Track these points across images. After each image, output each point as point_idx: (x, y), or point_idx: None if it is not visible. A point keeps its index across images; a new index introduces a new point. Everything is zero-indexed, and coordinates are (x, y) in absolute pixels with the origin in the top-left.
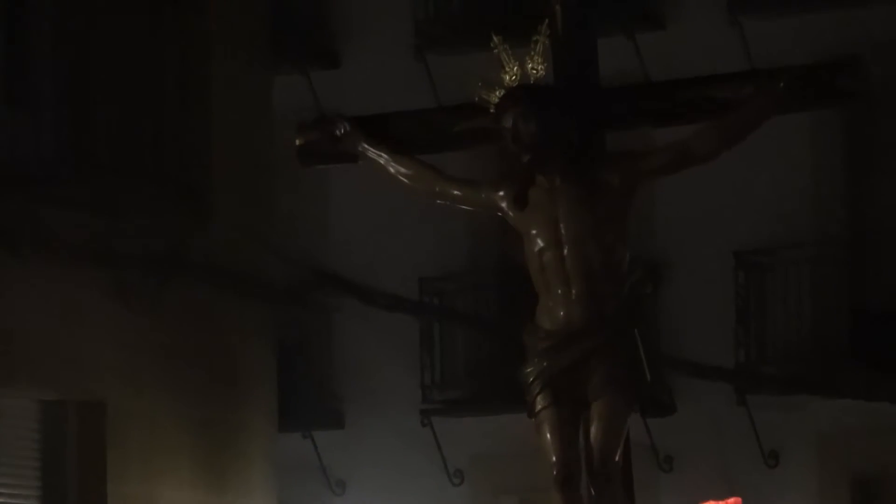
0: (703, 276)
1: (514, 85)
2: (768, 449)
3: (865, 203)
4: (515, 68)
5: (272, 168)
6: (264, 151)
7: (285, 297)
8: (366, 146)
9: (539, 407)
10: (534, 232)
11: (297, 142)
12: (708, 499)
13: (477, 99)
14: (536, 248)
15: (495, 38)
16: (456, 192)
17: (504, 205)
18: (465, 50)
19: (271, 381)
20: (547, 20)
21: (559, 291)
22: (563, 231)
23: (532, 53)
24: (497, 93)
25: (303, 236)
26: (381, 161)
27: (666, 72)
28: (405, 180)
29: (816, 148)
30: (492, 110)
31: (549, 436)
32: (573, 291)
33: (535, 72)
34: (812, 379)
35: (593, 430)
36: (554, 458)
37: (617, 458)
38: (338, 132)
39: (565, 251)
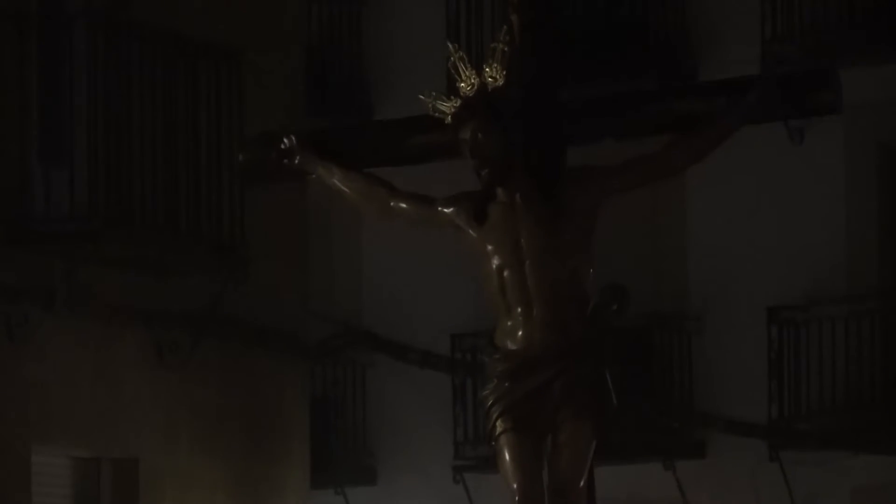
0: (736, 332)
1: (472, 95)
2: (799, 499)
3: None
4: (472, 77)
5: (306, 225)
6: (298, 209)
7: (319, 354)
8: (312, 162)
9: (499, 431)
10: (492, 250)
11: (240, 157)
12: None
13: (432, 110)
14: (495, 267)
15: (451, 46)
16: (409, 209)
17: (461, 221)
18: None
19: (304, 437)
20: (505, 27)
21: (519, 312)
22: (523, 249)
23: (490, 62)
24: (453, 103)
25: (336, 293)
26: (330, 178)
27: None
28: (356, 197)
29: (850, 206)
30: (448, 122)
31: (509, 462)
32: (534, 312)
33: (493, 81)
34: (846, 435)
35: (557, 457)
36: (514, 486)
37: (581, 486)
38: (283, 147)
39: (526, 270)
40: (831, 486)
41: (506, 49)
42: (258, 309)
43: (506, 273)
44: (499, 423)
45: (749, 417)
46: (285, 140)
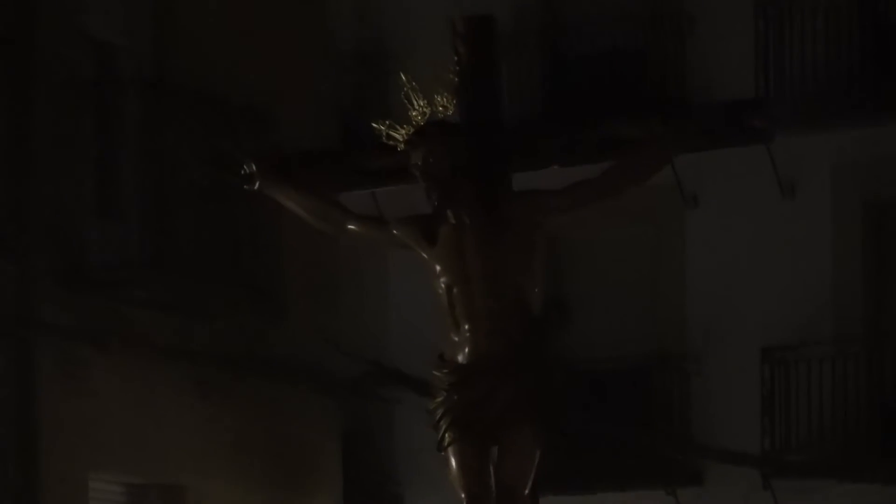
0: (731, 370)
1: (422, 123)
2: None
3: (882, 305)
4: (424, 107)
5: (337, 270)
6: (330, 255)
7: (350, 390)
8: (270, 186)
9: (447, 441)
10: (442, 268)
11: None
12: None
13: (384, 137)
14: (444, 285)
15: (404, 77)
16: (363, 231)
17: (412, 242)
18: None
19: (336, 468)
20: (455, 59)
21: (466, 327)
22: (471, 267)
23: (440, 92)
24: (405, 130)
25: (366, 333)
26: (286, 201)
27: None
28: (311, 218)
29: (837, 257)
30: (400, 148)
31: (457, 470)
32: (481, 327)
33: (442, 109)
34: (832, 465)
35: (502, 464)
36: (463, 494)
37: (526, 492)
38: (243, 172)
39: (473, 287)
40: None
41: (455, 79)
42: (293, 349)
43: (454, 290)
44: (447, 433)
45: (743, 448)
46: (244, 167)
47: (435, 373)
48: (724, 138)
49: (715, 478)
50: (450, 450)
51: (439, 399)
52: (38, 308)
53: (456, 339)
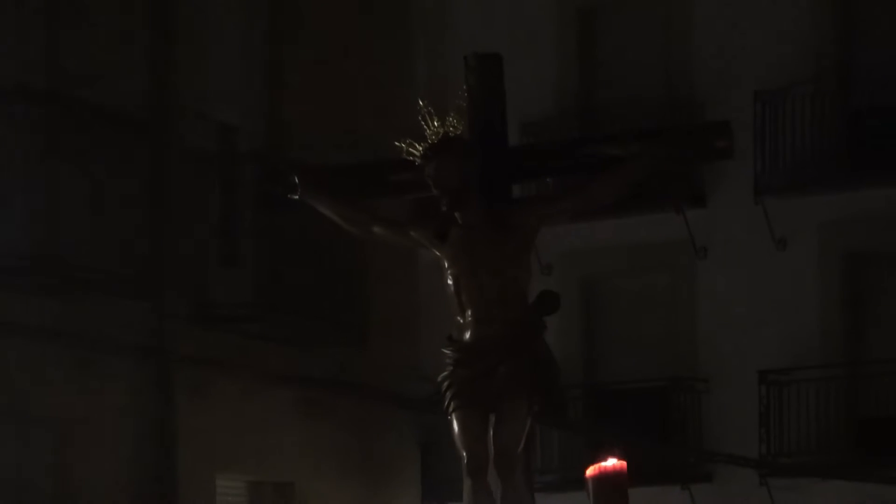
0: (734, 390)
1: (436, 140)
2: None
3: (859, 338)
4: (438, 127)
5: (413, 306)
6: (408, 294)
7: (424, 408)
8: (308, 194)
9: (452, 408)
10: (451, 262)
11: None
12: None
13: (405, 154)
14: (453, 276)
15: (421, 102)
16: (386, 233)
17: (426, 241)
18: None
19: (415, 471)
20: (465, 87)
21: (469, 313)
22: (475, 261)
23: (451, 114)
24: (421, 147)
25: (437, 361)
26: (321, 206)
27: None
28: (342, 222)
29: (821, 298)
30: (417, 162)
31: (459, 432)
32: (483, 311)
33: (453, 129)
34: (817, 467)
35: (499, 428)
36: (464, 452)
37: (518, 451)
38: (289, 183)
39: (477, 278)
40: None
41: (464, 104)
42: (377, 374)
43: (461, 282)
44: (452, 401)
45: (744, 453)
46: (291, 178)
47: (443, 350)
48: (693, 156)
49: (721, 477)
50: (453, 415)
51: (446, 372)
52: (173, 340)
53: (461, 321)
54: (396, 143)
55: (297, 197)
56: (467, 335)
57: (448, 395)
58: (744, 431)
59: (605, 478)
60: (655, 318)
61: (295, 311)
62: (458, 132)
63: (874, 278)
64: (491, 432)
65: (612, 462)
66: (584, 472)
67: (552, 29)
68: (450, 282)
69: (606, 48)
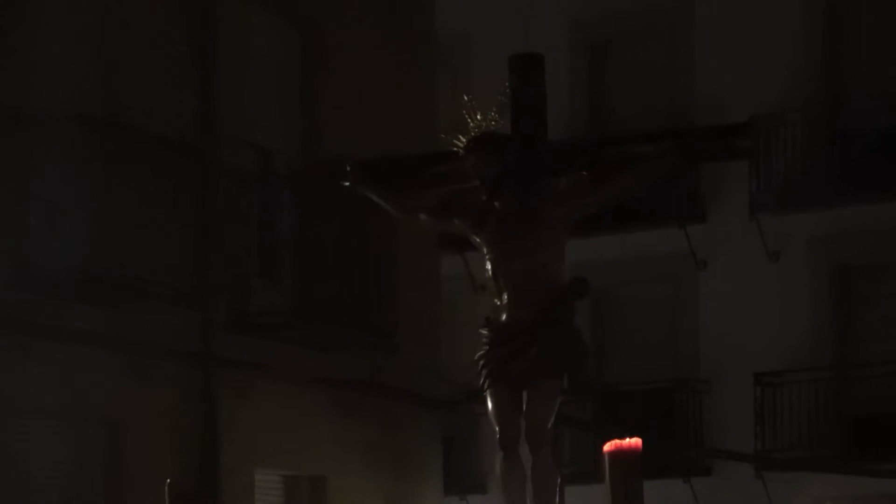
0: (732, 391)
1: (478, 134)
2: None
3: (846, 343)
4: (479, 120)
5: (436, 314)
6: (432, 303)
7: (447, 407)
8: (361, 184)
9: (487, 385)
10: (490, 248)
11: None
12: None
13: (451, 146)
14: (492, 262)
15: (466, 97)
16: (433, 219)
17: (467, 228)
18: None
19: (438, 464)
20: (507, 84)
21: (506, 296)
22: (512, 247)
23: (493, 109)
24: (464, 140)
25: (459, 364)
26: (371, 194)
27: None
28: (392, 209)
29: (812, 306)
30: (461, 154)
31: (493, 408)
32: (517, 296)
33: (494, 124)
34: (808, 461)
35: (531, 405)
36: (497, 427)
37: (548, 427)
38: (344, 171)
39: (514, 263)
40: (798, 496)
41: (506, 101)
42: (405, 375)
43: (499, 265)
44: (487, 378)
45: (741, 449)
46: (346, 166)
47: (481, 331)
48: (718, 154)
49: (720, 470)
50: (488, 392)
51: (482, 352)
52: (217, 346)
53: (498, 303)
54: (442, 136)
55: (348, 184)
56: (503, 317)
57: (483, 373)
58: (741, 429)
59: (620, 453)
60: (660, 325)
61: (328, 319)
62: (499, 127)
63: (860, 287)
64: (524, 409)
65: (628, 440)
66: (593, 466)
67: (564, 62)
68: (488, 266)
69: (615, 80)
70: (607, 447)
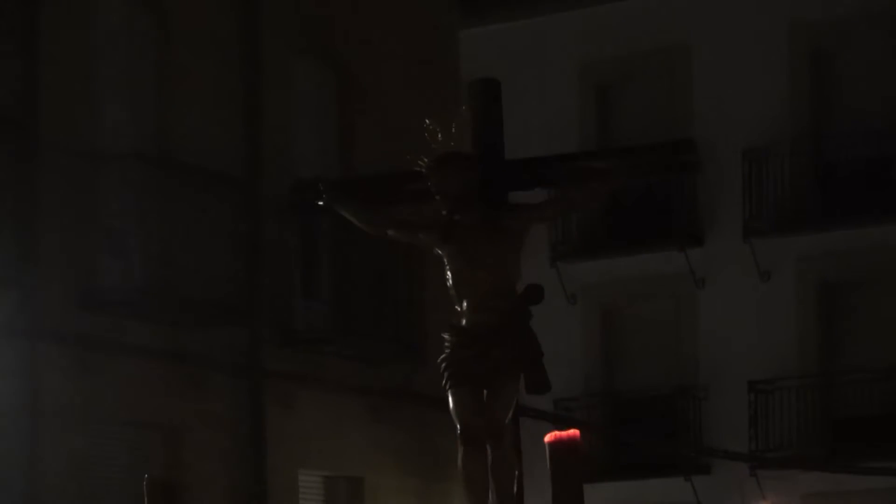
0: (728, 397)
1: (440, 154)
2: (769, 502)
3: (830, 354)
4: (441, 141)
5: None
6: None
7: None
8: (333, 201)
9: (448, 385)
10: (452, 259)
11: (296, 197)
12: None
13: (416, 167)
14: (454, 271)
15: (427, 122)
16: (401, 233)
17: (432, 240)
18: None
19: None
20: (466, 107)
21: (466, 302)
22: (473, 258)
23: (453, 130)
24: (429, 160)
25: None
26: (343, 211)
27: None
28: (362, 224)
29: (799, 319)
30: (424, 172)
31: (455, 406)
32: (477, 303)
33: (454, 144)
34: (797, 460)
35: (491, 403)
36: (459, 424)
37: (507, 422)
38: (315, 191)
39: (473, 273)
40: (788, 492)
41: (468, 122)
42: (433, 383)
43: (461, 275)
44: (449, 379)
45: (737, 449)
46: (318, 186)
47: (444, 335)
48: (664, 168)
49: (718, 469)
50: (450, 392)
51: (444, 354)
52: (263, 359)
53: (459, 310)
54: (407, 157)
55: (322, 203)
56: (464, 322)
57: (446, 374)
58: (736, 431)
59: (561, 443)
60: (663, 338)
61: (364, 334)
62: (461, 147)
63: (842, 303)
64: (484, 406)
65: (567, 431)
66: (606, 467)
67: (574, 101)
68: (449, 275)
69: (620, 117)
70: (548, 438)
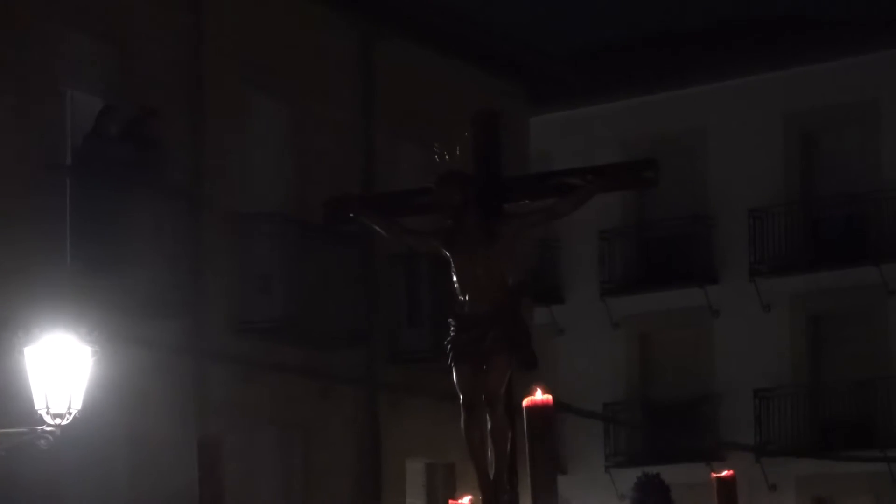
0: (739, 402)
1: (445, 173)
2: (771, 483)
3: (818, 369)
4: (446, 161)
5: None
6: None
7: None
8: (358, 213)
9: (451, 363)
10: (455, 261)
11: (325, 211)
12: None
13: (428, 184)
14: (457, 269)
15: (435, 146)
16: (414, 241)
17: (440, 246)
18: None
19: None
20: (467, 133)
21: (467, 294)
22: (472, 259)
23: (457, 152)
24: (434, 178)
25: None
26: (366, 221)
27: None
28: (383, 232)
29: (793, 341)
30: (433, 188)
31: (457, 380)
32: (476, 294)
33: (457, 164)
34: (792, 451)
35: (487, 377)
36: (461, 394)
37: (501, 393)
38: (341, 204)
39: (473, 271)
40: (786, 476)
41: (470, 147)
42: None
43: (462, 273)
44: (452, 358)
45: (746, 443)
46: (344, 199)
47: (448, 321)
48: (630, 182)
49: (731, 457)
50: (453, 367)
51: (449, 337)
52: (378, 374)
53: (461, 300)
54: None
55: (352, 216)
56: (465, 310)
57: (450, 354)
58: (745, 428)
59: (536, 408)
60: (686, 356)
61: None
62: (462, 166)
63: (828, 331)
64: (482, 380)
65: (540, 395)
66: (639, 457)
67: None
68: (453, 272)
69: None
70: (525, 402)
